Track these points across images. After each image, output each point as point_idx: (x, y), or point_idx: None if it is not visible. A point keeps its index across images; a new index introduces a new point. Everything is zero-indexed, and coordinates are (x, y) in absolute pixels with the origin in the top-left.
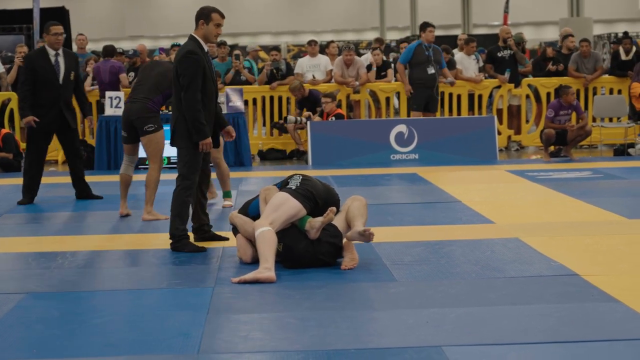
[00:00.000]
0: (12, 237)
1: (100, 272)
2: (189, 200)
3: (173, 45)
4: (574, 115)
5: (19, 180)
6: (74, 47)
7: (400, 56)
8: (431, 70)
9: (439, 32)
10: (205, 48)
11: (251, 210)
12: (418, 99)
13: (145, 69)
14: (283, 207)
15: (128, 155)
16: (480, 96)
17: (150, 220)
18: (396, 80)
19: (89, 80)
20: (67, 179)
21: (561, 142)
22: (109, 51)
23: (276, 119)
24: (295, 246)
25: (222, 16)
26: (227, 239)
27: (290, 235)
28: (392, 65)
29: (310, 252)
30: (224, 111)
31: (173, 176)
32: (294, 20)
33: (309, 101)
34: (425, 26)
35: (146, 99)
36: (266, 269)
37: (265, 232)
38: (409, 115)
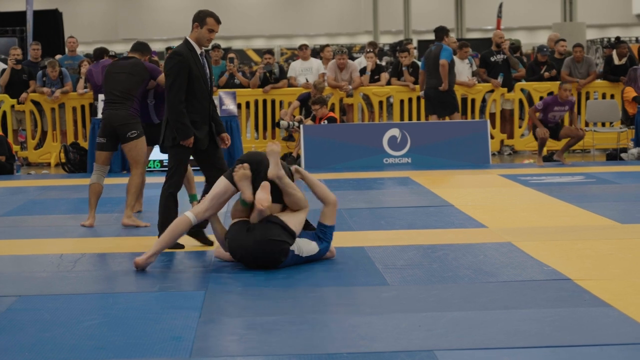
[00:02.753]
0: (3, 239)
1: (92, 274)
2: (175, 208)
3: (168, 49)
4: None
5: (12, 183)
6: (66, 50)
7: (446, 55)
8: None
9: (431, 36)
10: (199, 50)
11: None
12: (457, 102)
13: (108, 78)
14: (212, 190)
15: (101, 165)
16: (473, 100)
17: (129, 225)
18: (409, 83)
19: (81, 83)
20: (61, 182)
21: (553, 136)
22: (99, 54)
23: (269, 122)
24: (238, 243)
25: (218, 22)
26: (212, 243)
27: (233, 231)
28: (386, 69)
29: (250, 248)
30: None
31: (162, 180)
32: (288, 24)
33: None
34: (448, 31)
35: (127, 106)
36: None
37: (181, 217)
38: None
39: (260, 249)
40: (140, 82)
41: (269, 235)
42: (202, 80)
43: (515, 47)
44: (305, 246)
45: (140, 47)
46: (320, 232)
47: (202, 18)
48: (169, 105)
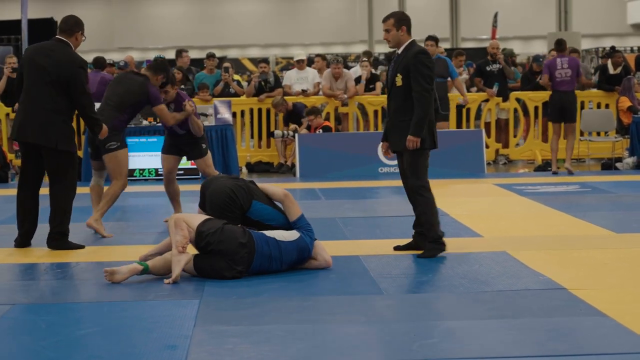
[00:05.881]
0: (24, 247)
1: (87, 283)
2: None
3: (156, 58)
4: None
5: (6, 192)
6: None
7: None
8: None
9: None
10: (399, 51)
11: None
12: None
13: (113, 84)
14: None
15: (97, 171)
16: (468, 109)
17: (92, 227)
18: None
19: None
20: None
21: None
22: (100, 63)
23: (264, 131)
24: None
25: (383, 21)
26: None
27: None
28: (381, 78)
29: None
30: (212, 123)
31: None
32: (283, 33)
33: (294, 114)
34: (426, 39)
35: (113, 117)
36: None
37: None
38: None
39: (236, 254)
40: (135, 103)
41: (233, 244)
42: (389, 81)
43: (507, 55)
44: (279, 234)
45: (154, 66)
46: (297, 229)
47: None
48: None
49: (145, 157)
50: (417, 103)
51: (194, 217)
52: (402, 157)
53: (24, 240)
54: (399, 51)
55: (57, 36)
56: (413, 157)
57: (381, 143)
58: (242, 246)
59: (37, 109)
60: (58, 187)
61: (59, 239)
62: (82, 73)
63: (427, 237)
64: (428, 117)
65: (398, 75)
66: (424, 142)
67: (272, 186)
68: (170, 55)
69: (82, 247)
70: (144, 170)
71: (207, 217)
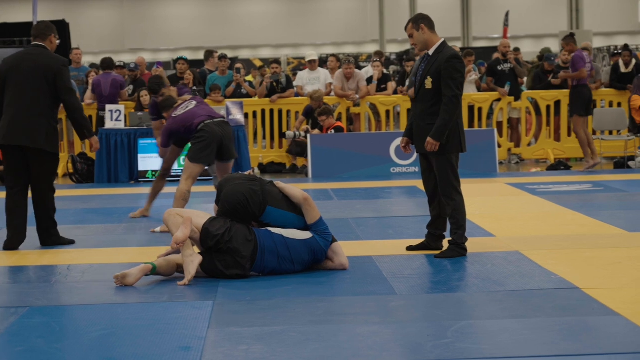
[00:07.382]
0: (12, 250)
1: (101, 285)
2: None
3: (179, 59)
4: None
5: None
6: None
7: None
8: None
9: None
10: (430, 52)
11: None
12: None
13: None
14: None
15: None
16: (480, 109)
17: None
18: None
19: (88, 93)
20: (68, 192)
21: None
22: (108, 64)
23: (276, 132)
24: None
25: (405, 29)
26: None
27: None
28: (392, 78)
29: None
30: None
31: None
32: (294, 33)
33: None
34: None
35: None
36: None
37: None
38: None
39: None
40: None
41: (242, 241)
42: (417, 84)
43: (541, 55)
44: (290, 232)
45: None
46: (312, 232)
47: None
48: None
49: (153, 159)
50: (445, 108)
51: (200, 215)
52: (426, 158)
53: (14, 242)
54: (430, 53)
55: (32, 43)
56: (439, 162)
57: (402, 138)
58: (249, 242)
59: (24, 114)
60: (43, 188)
61: (52, 233)
62: (66, 71)
63: (452, 239)
64: (453, 123)
65: (428, 78)
66: (450, 146)
67: (293, 188)
68: (183, 54)
69: (72, 242)
70: (156, 171)
71: (212, 216)
